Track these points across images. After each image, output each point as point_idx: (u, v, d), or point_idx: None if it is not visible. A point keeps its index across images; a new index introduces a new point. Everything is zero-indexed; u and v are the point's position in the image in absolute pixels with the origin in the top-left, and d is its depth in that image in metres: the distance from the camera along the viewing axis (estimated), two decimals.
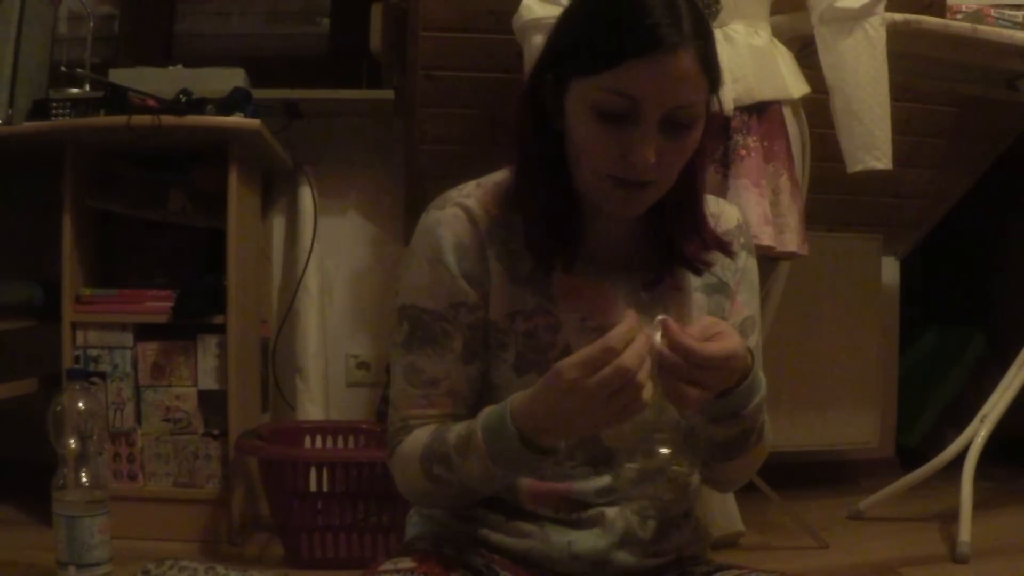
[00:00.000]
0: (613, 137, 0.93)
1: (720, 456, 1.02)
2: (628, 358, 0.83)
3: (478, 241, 1.01)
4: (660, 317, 0.87)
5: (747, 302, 1.10)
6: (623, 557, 1.01)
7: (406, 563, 0.95)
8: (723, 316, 1.06)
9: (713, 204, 1.11)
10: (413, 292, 1.02)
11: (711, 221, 1.07)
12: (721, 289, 1.08)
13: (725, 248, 1.05)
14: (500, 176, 1.06)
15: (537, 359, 1.00)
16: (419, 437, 0.99)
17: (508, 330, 1.01)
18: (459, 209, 1.02)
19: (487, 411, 0.93)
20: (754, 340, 1.08)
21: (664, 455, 0.95)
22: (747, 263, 1.11)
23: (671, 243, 1.03)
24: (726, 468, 1.04)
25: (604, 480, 1.01)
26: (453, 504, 1.03)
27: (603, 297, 1.02)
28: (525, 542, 1.01)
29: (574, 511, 1.01)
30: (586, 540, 1.00)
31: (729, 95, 1.83)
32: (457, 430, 0.95)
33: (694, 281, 1.06)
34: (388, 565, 0.95)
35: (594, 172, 0.96)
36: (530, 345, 1.01)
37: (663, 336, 0.86)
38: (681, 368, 0.86)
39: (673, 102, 0.91)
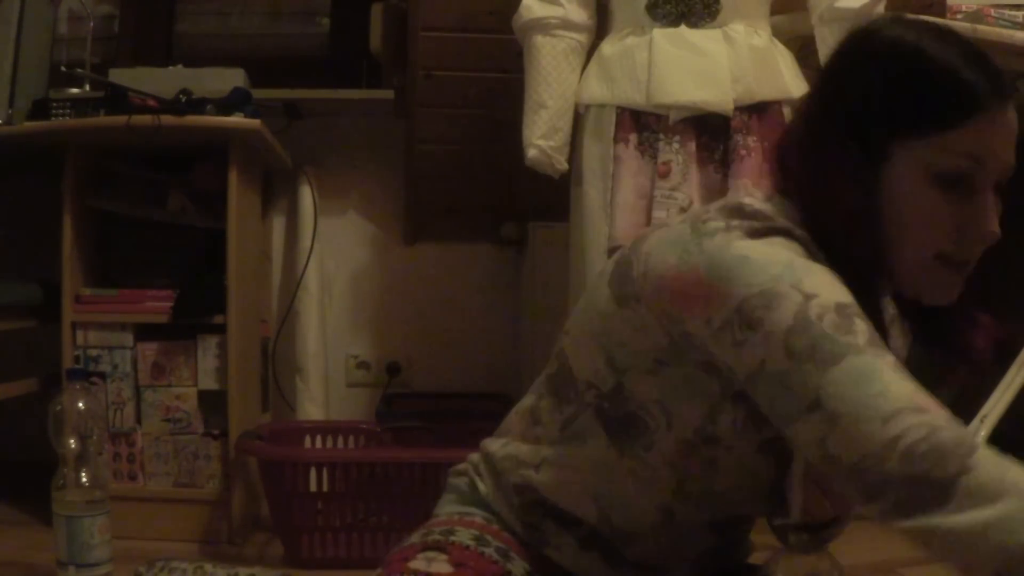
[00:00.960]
0: (951, 210, 0.83)
1: None
2: None
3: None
4: None
5: None
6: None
7: (441, 563, 0.90)
8: None
9: None
10: (829, 291, 0.81)
11: None
12: None
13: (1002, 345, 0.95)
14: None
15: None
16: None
17: None
18: (790, 239, 0.85)
19: None
20: None
21: None
22: None
23: (952, 337, 0.92)
24: None
25: (706, 545, 0.98)
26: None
27: None
28: (588, 572, 0.96)
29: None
30: None
31: (729, 95, 1.83)
32: None
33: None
34: (419, 561, 0.91)
35: (921, 250, 0.84)
36: None
37: None
38: None
39: (1009, 162, 0.83)
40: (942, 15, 2.18)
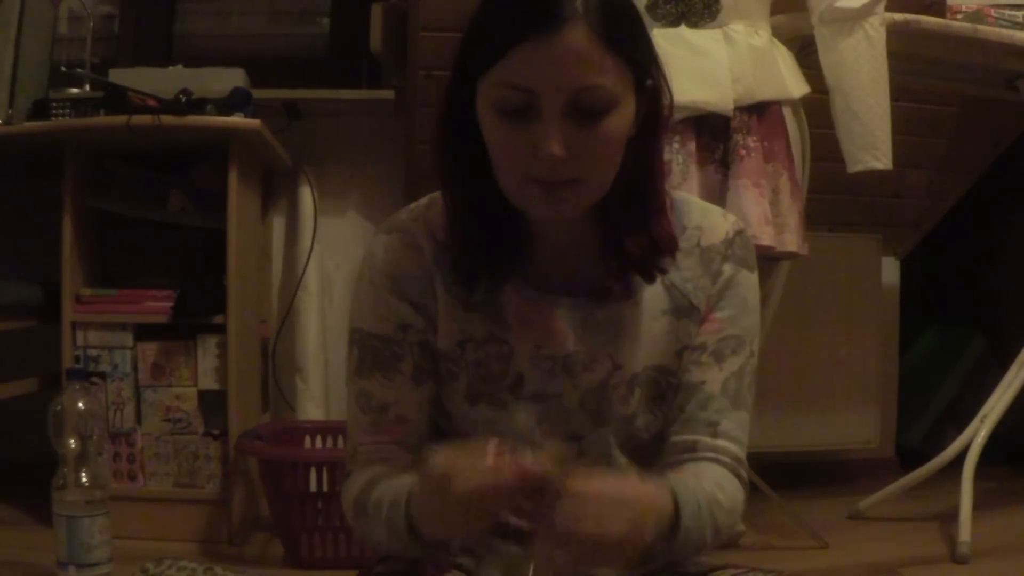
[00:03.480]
0: (520, 135, 0.85)
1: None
2: (467, 483, 0.77)
3: (421, 268, 0.97)
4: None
5: (732, 320, 0.98)
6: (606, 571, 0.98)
7: (397, 564, 0.95)
8: (688, 342, 0.97)
9: (700, 215, 1.00)
10: (360, 316, 0.99)
11: (691, 232, 0.99)
12: (689, 313, 0.97)
13: (673, 249, 0.95)
14: None
15: (488, 389, 0.96)
16: (357, 479, 0.96)
17: (458, 359, 0.96)
18: (402, 235, 0.99)
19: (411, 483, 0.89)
20: (736, 364, 0.98)
21: None
22: (736, 277, 0.99)
23: (617, 244, 0.93)
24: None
25: None
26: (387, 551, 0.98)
27: (555, 321, 0.95)
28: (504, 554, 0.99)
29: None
30: None
31: (729, 95, 1.83)
32: (382, 491, 0.92)
33: (662, 303, 0.97)
34: (381, 568, 0.95)
35: (512, 177, 0.89)
36: (480, 375, 0.96)
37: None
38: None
39: (572, 86, 0.83)
40: (942, 15, 2.18)
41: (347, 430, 1.01)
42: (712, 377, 0.96)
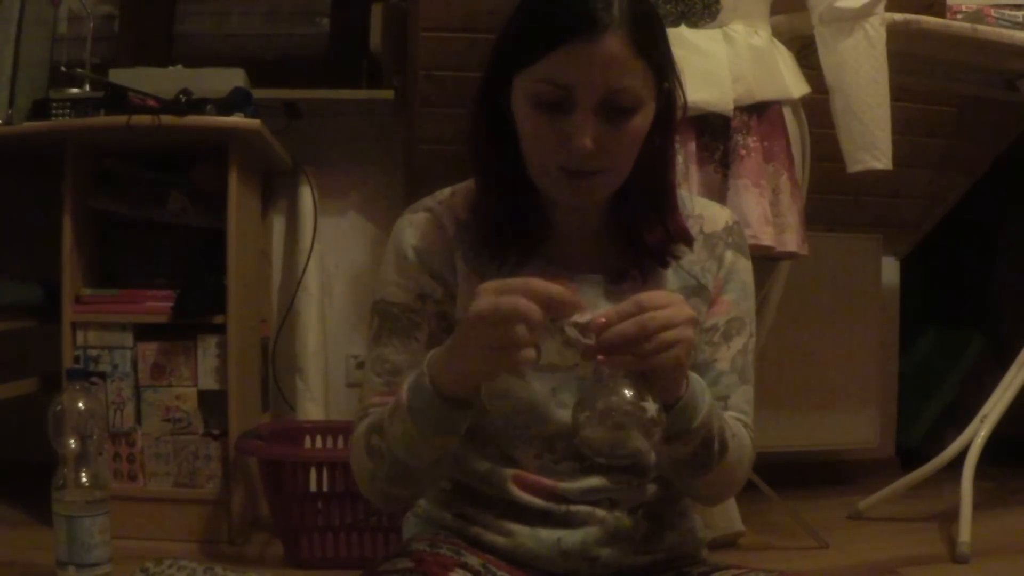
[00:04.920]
0: (553, 127, 0.94)
1: (688, 473, 1.00)
2: (520, 296, 0.82)
3: (444, 243, 1.05)
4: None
5: (735, 303, 1.09)
6: (610, 554, 1.01)
7: (404, 563, 0.95)
8: (700, 320, 1.05)
9: (700, 207, 1.11)
10: (383, 288, 1.06)
11: (694, 220, 1.08)
12: (699, 292, 1.07)
13: (688, 239, 1.05)
14: (474, 183, 1.08)
15: None
16: (364, 425, 1.01)
17: None
18: (428, 213, 1.06)
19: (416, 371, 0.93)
20: (741, 343, 1.08)
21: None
22: (736, 264, 1.09)
23: (634, 233, 1.03)
24: (699, 484, 1.02)
25: (591, 481, 1.02)
26: (392, 490, 1.00)
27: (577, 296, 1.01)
28: (514, 540, 1.02)
29: (562, 503, 1.01)
30: (574, 537, 1.00)
31: (729, 95, 1.83)
32: (395, 398, 0.95)
33: (671, 282, 1.06)
34: (387, 566, 0.95)
35: (542, 165, 0.97)
36: None
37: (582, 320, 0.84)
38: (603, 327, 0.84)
39: (605, 87, 0.92)
40: (942, 15, 2.18)
41: (360, 396, 1.06)
42: (722, 355, 1.06)
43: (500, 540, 1.02)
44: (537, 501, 1.02)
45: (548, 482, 1.02)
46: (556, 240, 1.05)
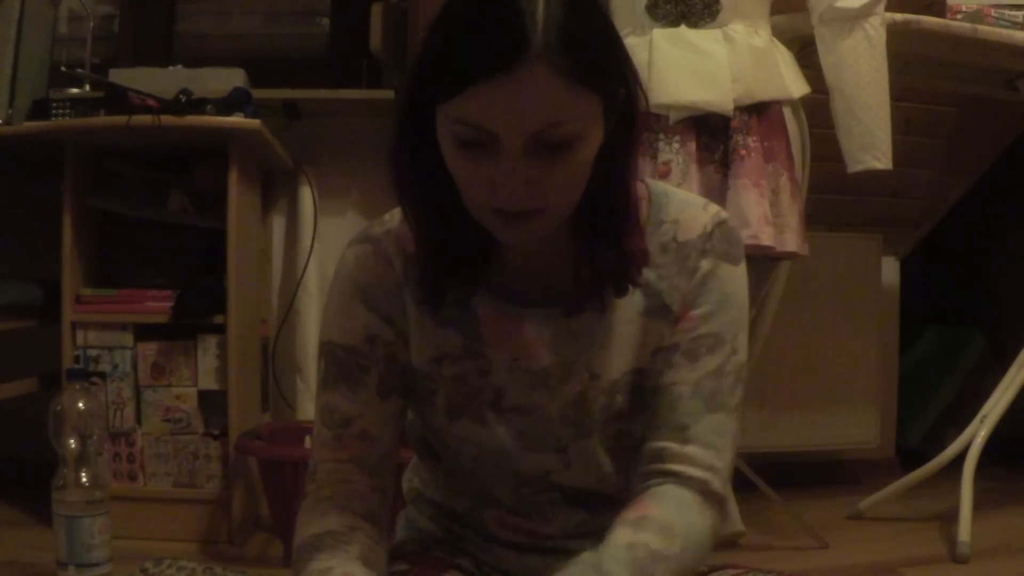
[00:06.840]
0: (480, 168, 0.80)
1: None
2: None
3: (392, 281, 0.95)
4: None
5: (708, 317, 0.92)
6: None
7: (400, 566, 0.95)
8: (661, 344, 0.92)
9: (677, 210, 0.94)
10: (329, 328, 0.97)
11: (668, 227, 0.93)
12: (662, 313, 0.92)
13: (645, 261, 0.91)
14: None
15: (468, 404, 0.94)
16: (312, 520, 0.91)
17: (436, 376, 0.94)
18: (372, 247, 0.97)
19: None
20: (713, 363, 0.91)
21: None
22: (715, 272, 0.93)
23: (587, 259, 0.89)
24: None
25: (574, 517, 0.97)
26: None
27: (527, 335, 0.92)
28: (503, 564, 1.00)
29: (547, 540, 0.98)
30: (563, 562, 0.87)
31: (729, 95, 1.83)
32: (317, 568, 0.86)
33: (637, 305, 0.92)
34: None
35: (472, 204, 0.84)
36: (460, 391, 0.94)
37: None
38: None
39: (534, 126, 0.77)
40: (942, 15, 2.18)
41: (311, 445, 0.98)
42: (683, 378, 0.90)
43: (489, 559, 1.01)
44: (520, 539, 0.99)
45: (529, 525, 0.98)
46: (503, 267, 0.93)
